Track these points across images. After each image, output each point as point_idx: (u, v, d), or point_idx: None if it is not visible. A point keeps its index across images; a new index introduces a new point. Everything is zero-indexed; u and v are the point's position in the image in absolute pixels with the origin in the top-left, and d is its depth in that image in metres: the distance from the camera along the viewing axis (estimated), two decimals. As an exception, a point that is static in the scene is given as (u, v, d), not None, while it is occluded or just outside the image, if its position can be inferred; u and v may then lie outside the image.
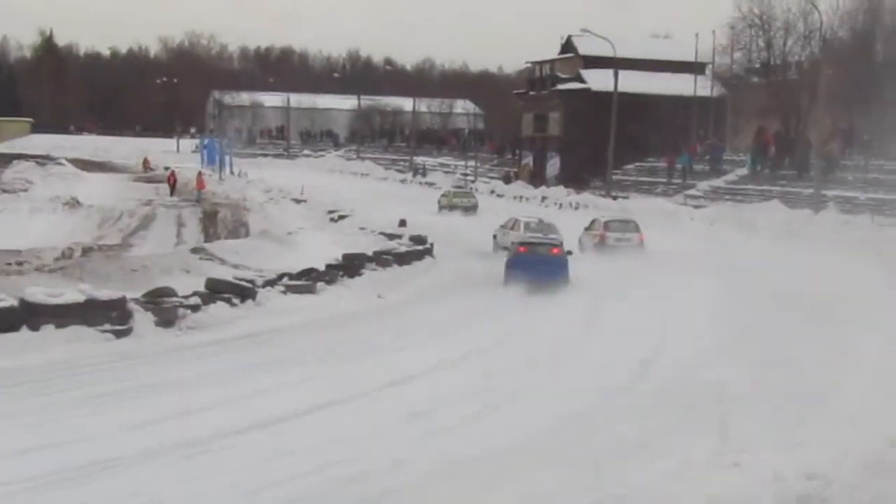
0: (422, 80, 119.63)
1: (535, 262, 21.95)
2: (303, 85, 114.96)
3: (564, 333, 16.48)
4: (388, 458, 9.12)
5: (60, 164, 60.78)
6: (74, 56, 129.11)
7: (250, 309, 16.91)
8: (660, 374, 13.26)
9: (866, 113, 41.90)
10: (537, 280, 21.22)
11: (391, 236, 27.47)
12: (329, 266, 20.69)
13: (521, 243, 23.39)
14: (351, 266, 21.14)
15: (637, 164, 56.23)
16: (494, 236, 30.12)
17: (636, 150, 54.54)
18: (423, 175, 69.63)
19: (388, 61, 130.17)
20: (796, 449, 9.09)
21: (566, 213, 42.95)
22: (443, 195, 46.66)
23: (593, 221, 30.32)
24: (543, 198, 49.65)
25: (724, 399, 11.41)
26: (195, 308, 15.74)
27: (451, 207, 43.76)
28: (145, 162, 71.49)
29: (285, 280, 18.93)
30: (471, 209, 43.38)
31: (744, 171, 46.02)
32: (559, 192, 50.73)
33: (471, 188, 55.32)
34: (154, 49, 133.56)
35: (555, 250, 22.70)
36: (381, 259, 22.69)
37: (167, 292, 15.96)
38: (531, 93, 66.67)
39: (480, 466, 8.97)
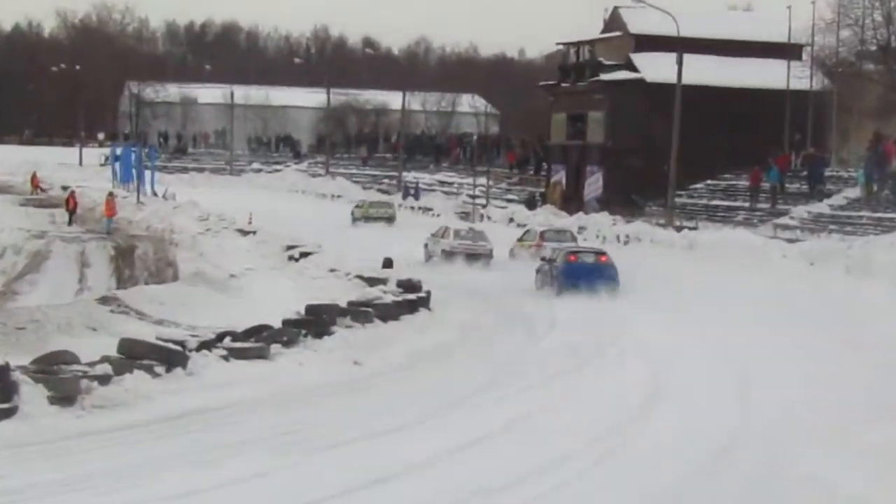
0: (414, 69, 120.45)
1: (587, 270, 31.15)
2: (252, 74, 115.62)
3: (610, 412, 16.49)
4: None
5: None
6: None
7: (179, 380, 16.94)
8: (741, 467, 13.29)
9: None
10: (590, 287, 29.88)
11: (373, 281, 27.51)
12: (287, 322, 20.71)
13: (570, 252, 32.69)
14: (317, 322, 21.14)
15: (709, 181, 56.35)
16: (425, 245, 40.91)
17: (708, 162, 54.67)
18: (416, 197, 69.90)
19: (369, 42, 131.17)
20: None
21: (612, 249, 43.00)
22: (356, 206, 59.11)
23: (527, 231, 42.32)
24: (580, 228, 49.77)
25: (831, 502, 11.43)
26: (104, 379, 15.77)
27: (367, 219, 56.23)
28: (34, 179, 71.73)
29: (227, 341, 18.96)
30: (389, 220, 56.27)
31: (855, 193, 46.14)
32: (602, 221, 50.82)
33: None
34: (49, 25, 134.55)
35: (603, 258, 32.14)
36: (359, 312, 22.68)
37: (66, 358, 15.98)
38: (563, 85, 67.00)
39: None
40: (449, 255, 38.99)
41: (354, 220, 56.83)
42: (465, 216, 57.40)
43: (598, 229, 49.06)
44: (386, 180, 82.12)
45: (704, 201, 54.74)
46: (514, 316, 27.97)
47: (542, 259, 33.94)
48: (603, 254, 32.88)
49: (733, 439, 14.72)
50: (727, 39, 60.53)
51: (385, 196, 69.60)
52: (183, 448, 13.68)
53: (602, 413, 16.49)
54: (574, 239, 40.15)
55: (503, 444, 14.57)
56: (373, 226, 54.49)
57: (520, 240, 41.03)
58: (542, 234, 40.25)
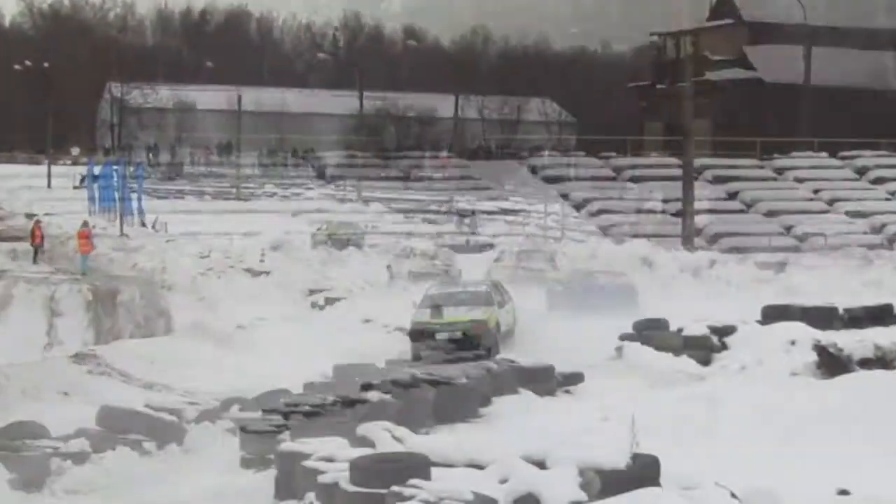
0: (469, 66, 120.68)
1: (605, 290, 37.88)
2: (264, 73, 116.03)
3: None
4: None
5: None
6: None
7: (174, 460, 16.97)
8: None
9: None
10: (608, 309, 34.07)
11: (418, 334, 27.60)
12: (310, 386, 20.75)
13: (586, 272, 40.99)
14: (348, 386, 21.17)
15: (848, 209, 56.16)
16: (388, 266, 47.88)
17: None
18: (472, 226, 69.79)
19: (411, 32, 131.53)
20: None
21: (723, 291, 42.97)
22: (318, 228, 64.48)
23: (503, 252, 50.80)
24: (681, 270, 49.49)
25: None
26: (80, 458, 15.82)
27: (333, 242, 60.13)
28: (-10, 205, 72.21)
29: (234, 410, 19.00)
30: (356, 242, 60.73)
31: None
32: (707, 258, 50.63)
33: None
34: (11, 12, 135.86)
35: (620, 279, 39.96)
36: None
37: (32, 431, 16.05)
38: (659, 86, 67.04)
39: None
40: (417, 276, 44.79)
41: (316, 244, 60.67)
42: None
43: (697, 266, 48.55)
44: (434, 205, 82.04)
45: (837, 230, 54.52)
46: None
47: (555, 280, 40.98)
48: (621, 275, 41.30)
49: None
50: (867, 28, 60.32)
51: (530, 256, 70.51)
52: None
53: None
54: (551, 260, 47.43)
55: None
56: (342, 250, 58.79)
57: (496, 261, 48.98)
58: (517, 255, 48.82)
